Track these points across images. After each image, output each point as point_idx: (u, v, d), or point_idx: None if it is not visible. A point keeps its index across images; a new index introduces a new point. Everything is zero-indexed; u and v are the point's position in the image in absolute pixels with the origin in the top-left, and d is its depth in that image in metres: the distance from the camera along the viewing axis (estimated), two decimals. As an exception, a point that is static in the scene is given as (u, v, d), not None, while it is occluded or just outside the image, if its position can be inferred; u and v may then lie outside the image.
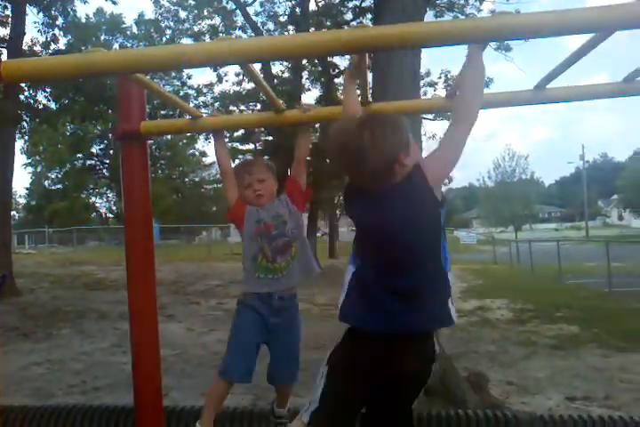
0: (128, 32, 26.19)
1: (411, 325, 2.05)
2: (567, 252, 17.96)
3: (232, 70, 19.52)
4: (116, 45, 26.03)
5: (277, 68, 19.81)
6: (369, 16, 16.13)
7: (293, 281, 2.88)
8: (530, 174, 50.47)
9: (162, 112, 20.76)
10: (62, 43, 15.50)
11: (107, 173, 44.17)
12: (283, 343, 2.91)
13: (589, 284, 13.94)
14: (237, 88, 19.57)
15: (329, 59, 18.51)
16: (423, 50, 5.62)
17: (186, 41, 19.25)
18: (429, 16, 16.05)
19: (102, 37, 26.11)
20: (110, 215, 50.33)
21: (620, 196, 62.49)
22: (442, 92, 18.33)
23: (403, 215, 2.00)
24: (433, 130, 27.12)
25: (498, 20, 1.61)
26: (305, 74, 19.84)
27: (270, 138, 19.58)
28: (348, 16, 18.17)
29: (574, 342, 7.53)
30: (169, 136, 34.28)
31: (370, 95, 2.78)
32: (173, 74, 20.74)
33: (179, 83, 21.69)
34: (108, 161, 42.69)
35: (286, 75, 19.86)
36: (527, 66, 18.07)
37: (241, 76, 19.04)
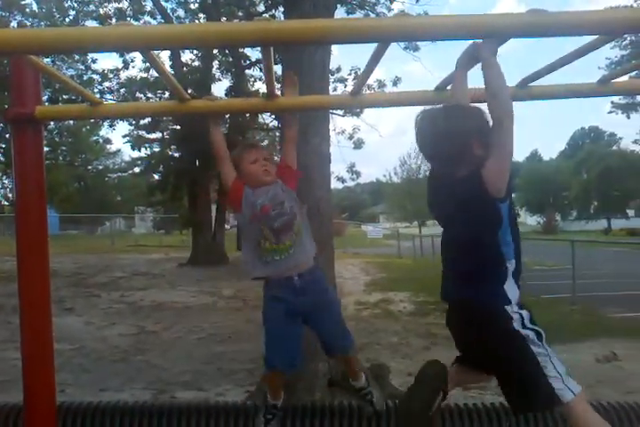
0: (28, 10, 24.68)
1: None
2: (467, 247, 18.67)
3: (140, 56, 18.91)
4: (13, 23, 24.47)
5: (187, 56, 19.43)
6: (282, 9, 16.07)
7: (304, 256, 2.79)
8: (434, 172, 52.21)
9: (64, 96, 19.79)
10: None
11: (2, 158, 41.68)
12: (322, 317, 2.82)
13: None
14: (145, 75, 19.02)
15: (240, 49, 18.32)
16: (335, 45, 5.66)
17: (91, 23, 18.47)
18: (341, 13, 16.20)
19: (-2, 13, 24.44)
20: (5, 203, 47.58)
21: (518, 194, 65.71)
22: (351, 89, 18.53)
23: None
24: (342, 126, 27.42)
25: (402, 21, 1.64)
26: (215, 64, 19.54)
27: (178, 127, 19.18)
28: (261, 8, 18.02)
29: (471, 334, 7.85)
30: (71, 121, 32.83)
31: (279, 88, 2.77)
32: (77, 57, 19.81)
33: (82, 66, 20.75)
34: (3, 145, 40.30)
35: (196, 63, 19.50)
36: (435, 66, 18.62)
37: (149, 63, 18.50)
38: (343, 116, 18.81)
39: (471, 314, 2.31)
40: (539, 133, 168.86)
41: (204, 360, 6.58)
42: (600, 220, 52.64)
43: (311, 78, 4.94)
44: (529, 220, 65.44)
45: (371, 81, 17.81)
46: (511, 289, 2.26)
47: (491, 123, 2.16)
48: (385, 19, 1.49)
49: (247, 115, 17.85)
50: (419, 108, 2.36)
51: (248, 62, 19.04)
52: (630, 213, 56.87)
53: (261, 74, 19.61)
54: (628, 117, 35.55)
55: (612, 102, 35.97)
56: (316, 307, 2.79)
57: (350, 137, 20.36)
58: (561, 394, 2.18)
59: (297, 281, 2.73)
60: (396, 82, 18.77)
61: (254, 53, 18.87)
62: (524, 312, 2.26)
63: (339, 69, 19.27)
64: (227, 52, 18.39)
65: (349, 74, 19.45)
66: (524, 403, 2.27)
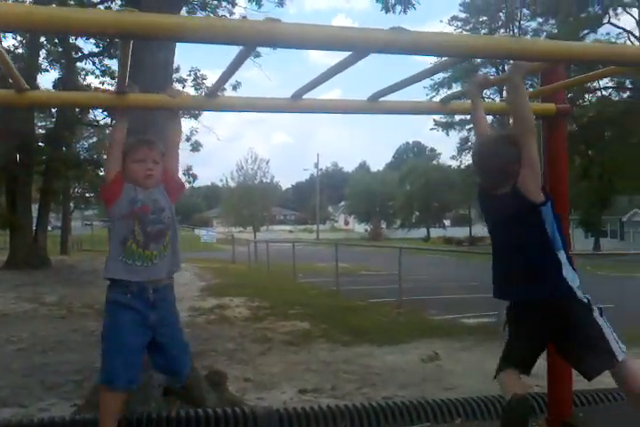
0: None
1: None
2: (300, 252, 19.17)
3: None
4: None
5: (10, 42, 17.91)
6: (118, 2, 15.37)
7: (166, 271, 2.67)
8: (270, 178, 53.00)
9: None
10: None
11: None
12: (172, 337, 2.70)
13: (320, 283, 15.01)
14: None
15: (71, 40, 17.26)
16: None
17: None
18: (182, 12, 15.84)
19: None
20: None
21: (347, 203, 68.66)
22: (190, 90, 18.23)
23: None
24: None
25: (273, 26, 1.63)
26: (43, 53, 18.22)
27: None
28: (97, -1, 17.10)
29: (306, 338, 8.04)
30: None
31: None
32: None
33: None
34: None
35: (20, 51, 18.03)
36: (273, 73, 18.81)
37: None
38: (181, 117, 18.40)
39: (551, 309, 2.56)
40: (368, 146, 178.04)
41: (24, 373, 6.06)
42: (421, 228, 56.62)
43: (154, 77, 4.78)
44: (357, 227, 68.62)
45: (209, 84, 17.65)
46: (569, 274, 2.58)
47: None
48: (257, 22, 1.45)
49: (77, 109, 16.84)
50: (261, 115, 2.39)
51: (80, 55, 17.97)
52: (447, 222, 61.99)
53: (94, 67, 18.65)
54: (448, 135, 39.44)
55: (435, 120, 39.05)
56: (165, 322, 2.70)
57: (187, 139, 19.99)
58: (617, 354, 2.51)
59: (151, 295, 2.62)
60: (235, 86, 18.73)
61: (87, 46, 17.88)
62: (588, 295, 2.60)
63: (177, 69, 18.84)
64: (56, 41, 17.21)
65: (189, 75, 19.14)
66: (592, 366, 2.53)
